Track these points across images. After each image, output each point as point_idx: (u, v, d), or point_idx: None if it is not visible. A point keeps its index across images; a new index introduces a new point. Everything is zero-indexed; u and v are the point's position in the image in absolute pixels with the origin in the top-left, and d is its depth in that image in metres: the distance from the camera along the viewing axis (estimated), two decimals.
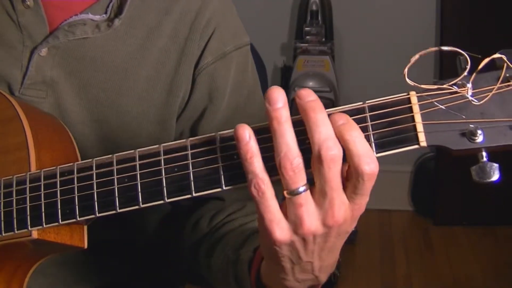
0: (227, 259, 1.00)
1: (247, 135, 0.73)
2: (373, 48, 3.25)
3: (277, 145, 0.72)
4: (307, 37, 3.10)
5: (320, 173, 0.71)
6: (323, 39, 3.10)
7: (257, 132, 0.75)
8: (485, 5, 3.02)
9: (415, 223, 3.33)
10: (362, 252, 3.09)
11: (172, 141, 1.08)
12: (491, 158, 0.71)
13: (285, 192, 0.73)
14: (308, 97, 0.73)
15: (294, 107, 2.48)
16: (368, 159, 0.71)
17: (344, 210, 0.73)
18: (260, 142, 0.75)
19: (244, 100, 1.14)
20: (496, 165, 0.70)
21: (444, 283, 2.88)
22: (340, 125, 0.72)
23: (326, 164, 0.71)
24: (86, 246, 0.92)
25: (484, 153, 0.71)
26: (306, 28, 3.10)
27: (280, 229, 0.74)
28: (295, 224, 0.74)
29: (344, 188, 0.73)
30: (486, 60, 0.68)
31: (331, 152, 0.70)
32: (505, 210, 3.11)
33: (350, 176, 0.73)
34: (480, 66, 0.69)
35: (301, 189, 0.72)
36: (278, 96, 0.72)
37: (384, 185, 3.38)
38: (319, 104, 0.73)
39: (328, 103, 3.00)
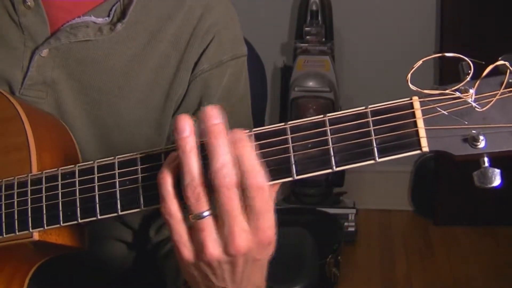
0: (173, 268, 1.04)
1: (169, 160, 0.77)
2: (373, 48, 3.25)
3: (182, 173, 0.75)
4: (307, 37, 3.10)
5: (218, 200, 0.74)
6: (323, 39, 3.10)
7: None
8: (485, 5, 3.02)
9: (415, 223, 3.33)
10: (362, 252, 3.09)
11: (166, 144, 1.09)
12: (493, 163, 0.71)
13: (190, 216, 0.76)
14: (212, 119, 0.74)
15: (294, 107, 2.48)
16: (253, 173, 0.73)
17: (246, 238, 0.75)
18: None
19: (230, 109, 1.14)
20: (497, 170, 0.70)
21: (444, 283, 2.88)
22: (233, 142, 0.74)
23: (221, 191, 0.73)
24: (86, 247, 0.93)
25: (486, 159, 0.71)
26: (306, 28, 3.10)
27: (187, 251, 0.77)
28: (198, 248, 0.76)
29: (244, 213, 0.75)
30: (490, 67, 0.68)
31: (226, 179, 0.73)
32: (505, 210, 3.11)
33: (243, 196, 0.74)
34: (484, 73, 0.69)
35: (204, 214, 0.75)
36: (185, 125, 0.74)
37: (384, 185, 3.40)
38: (220, 129, 0.74)
39: (328, 103, 3.01)
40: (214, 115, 0.75)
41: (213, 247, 0.75)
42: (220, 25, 1.12)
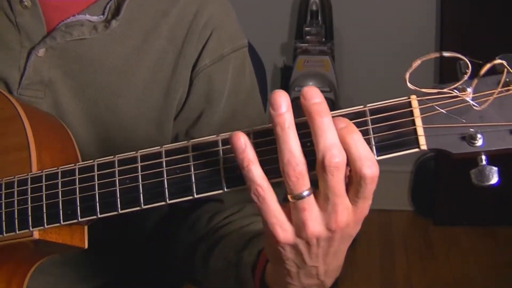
0: (227, 262, 1.00)
1: (242, 143, 0.73)
2: (373, 48, 3.25)
3: (280, 151, 0.72)
4: (307, 37, 3.10)
5: (324, 179, 0.71)
6: (323, 39, 3.10)
7: (260, 134, 0.76)
8: (485, 5, 3.03)
9: (415, 223, 3.33)
10: (362, 252, 3.09)
11: (168, 143, 1.09)
12: (490, 162, 0.72)
13: (289, 196, 0.73)
14: (314, 98, 0.72)
15: (294, 107, 2.48)
16: (369, 162, 0.71)
17: (347, 214, 0.74)
18: (262, 144, 0.75)
19: (241, 103, 1.14)
20: (495, 168, 0.71)
21: (444, 283, 2.88)
22: (341, 128, 0.72)
23: (330, 171, 0.71)
24: (86, 246, 0.92)
25: (483, 157, 0.72)
26: (306, 28, 3.10)
27: (284, 232, 0.74)
28: (299, 228, 0.74)
29: (347, 191, 0.73)
30: (488, 66, 0.68)
31: (335, 160, 0.70)
32: (505, 210, 3.11)
33: (352, 180, 0.73)
34: (482, 72, 0.69)
35: (305, 193, 0.72)
36: (282, 101, 0.71)
37: (384, 185, 3.37)
38: (324, 107, 0.72)
39: (328, 103, 2.96)
40: (315, 94, 0.72)
41: (315, 225, 0.73)
42: (217, 20, 1.12)
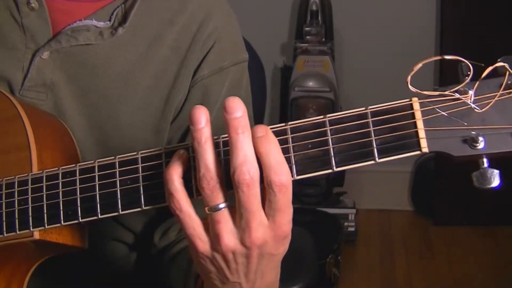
0: (182, 269, 1.04)
1: (178, 157, 0.78)
2: (373, 48, 3.25)
3: (197, 164, 0.75)
4: (307, 37, 3.10)
5: (237, 195, 0.73)
6: (323, 39, 3.09)
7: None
8: (485, 5, 3.02)
9: (415, 223, 3.33)
10: (362, 252, 3.09)
11: None
12: (492, 164, 0.72)
13: (206, 208, 0.76)
14: (235, 112, 0.73)
15: (294, 107, 2.49)
16: (277, 170, 0.73)
17: (263, 232, 0.75)
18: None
19: None
20: (496, 171, 0.71)
21: (444, 283, 2.88)
22: (258, 137, 0.74)
23: (240, 187, 0.72)
24: (87, 246, 0.93)
25: (485, 159, 0.72)
26: (306, 28, 3.10)
27: (202, 243, 0.77)
28: (214, 239, 0.76)
29: (263, 206, 0.75)
30: (489, 69, 0.68)
31: (245, 177, 0.72)
32: (505, 210, 3.11)
33: (265, 191, 0.74)
34: (483, 75, 0.69)
35: (221, 206, 0.75)
36: (201, 116, 0.74)
37: (384, 185, 3.40)
38: (242, 123, 0.73)
39: (328, 103, 3.01)
40: (237, 107, 0.73)
41: (229, 238, 0.75)
42: (221, 32, 1.12)
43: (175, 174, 0.76)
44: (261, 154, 0.73)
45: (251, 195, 0.73)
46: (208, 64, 1.11)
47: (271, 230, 0.75)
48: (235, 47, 1.16)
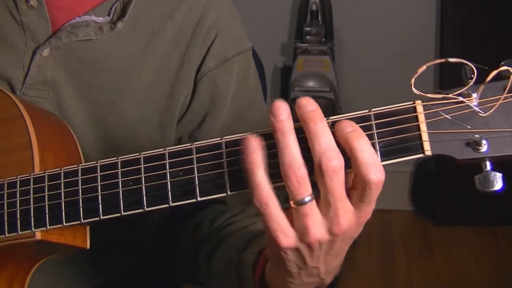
0: (229, 262, 1.00)
1: (253, 146, 0.74)
2: (373, 48, 3.25)
3: (281, 155, 0.73)
4: (307, 37, 3.10)
5: (323, 183, 0.72)
6: (323, 39, 3.10)
7: (262, 137, 0.76)
8: (485, 5, 3.02)
9: (415, 223, 3.33)
10: (362, 252, 3.09)
11: (170, 145, 1.09)
12: (494, 167, 0.72)
13: (291, 202, 0.74)
14: (308, 106, 0.73)
15: (294, 109, 2.44)
16: (375, 168, 0.71)
17: (350, 218, 0.74)
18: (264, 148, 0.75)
19: (245, 106, 1.14)
20: (499, 174, 0.71)
21: (444, 283, 2.88)
22: (348, 132, 0.73)
23: (328, 175, 0.71)
24: (88, 247, 0.92)
25: (488, 163, 0.72)
26: (306, 28, 3.10)
27: (286, 237, 0.75)
28: (301, 233, 0.75)
29: (350, 195, 0.74)
30: (493, 73, 0.68)
31: (331, 163, 0.71)
32: (505, 210, 3.10)
33: (356, 184, 0.73)
34: (488, 79, 0.69)
35: (307, 199, 0.73)
36: (282, 109, 0.73)
37: (384, 185, 3.37)
38: (318, 114, 0.73)
39: (328, 103, 3.00)
40: (309, 103, 0.74)
41: (317, 230, 0.74)
42: (222, 23, 1.13)
43: (259, 165, 0.74)
44: (355, 149, 0.72)
45: (339, 182, 0.72)
46: (212, 56, 1.11)
47: (357, 217, 0.75)
48: (238, 36, 1.16)
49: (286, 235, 0.75)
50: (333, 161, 0.71)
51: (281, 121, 0.73)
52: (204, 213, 1.14)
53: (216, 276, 1.06)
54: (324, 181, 0.72)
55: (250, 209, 1.10)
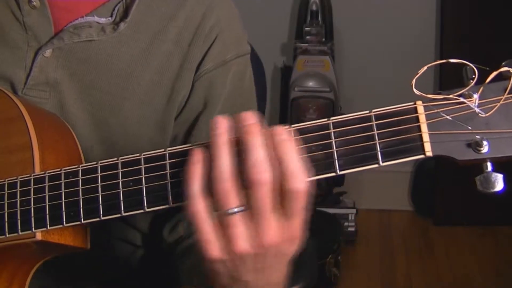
0: (193, 264, 1.03)
1: (196, 157, 0.76)
2: (373, 48, 3.25)
3: (213, 167, 0.75)
4: (307, 37, 3.10)
5: (250, 195, 0.73)
6: (323, 39, 3.10)
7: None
8: (485, 5, 3.02)
9: (415, 223, 3.33)
10: (362, 252, 3.09)
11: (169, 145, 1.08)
12: (495, 168, 0.72)
13: (218, 213, 0.75)
14: (247, 120, 0.75)
15: (294, 107, 2.48)
16: (298, 177, 0.73)
17: (276, 233, 0.75)
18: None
19: (239, 108, 1.14)
20: (500, 175, 0.71)
21: (444, 283, 2.88)
22: (277, 141, 0.74)
23: (255, 187, 0.73)
24: (89, 247, 0.93)
25: (489, 163, 0.72)
26: (306, 28, 3.10)
27: (214, 249, 0.77)
28: (227, 245, 0.76)
29: (278, 209, 0.75)
30: (494, 73, 0.68)
31: (259, 176, 0.72)
32: (505, 210, 3.10)
33: (281, 195, 0.74)
34: (488, 79, 0.69)
35: (231, 211, 0.74)
36: (221, 123, 0.75)
37: (384, 185, 3.40)
38: (256, 128, 0.74)
39: (328, 103, 3.00)
40: (250, 117, 0.75)
41: (242, 243, 0.75)
42: (223, 24, 1.13)
43: (196, 175, 0.76)
44: (280, 159, 0.73)
45: (265, 195, 0.73)
46: (211, 57, 1.11)
47: (283, 232, 0.75)
48: (238, 39, 1.16)
49: (214, 247, 0.76)
50: (260, 173, 0.72)
51: (218, 134, 0.75)
52: (182, 214, 1.14)
53: (184, 276, 1.09)
54: (251, 192, 0.73)
55: None
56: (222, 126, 0.75)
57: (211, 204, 0.76)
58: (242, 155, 0.74)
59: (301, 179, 0.73)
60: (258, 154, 0.73)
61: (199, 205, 0.76)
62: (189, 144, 0.81)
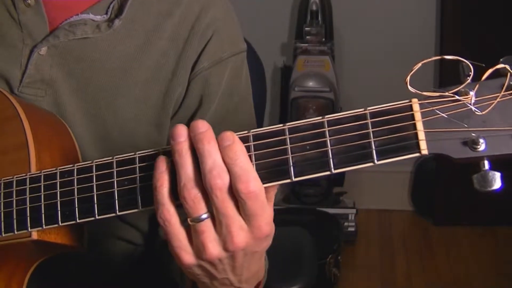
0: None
1: (164, 165, 0.78)
2: (373, 48, 3.25)
3: (178, 176, 0.76)
4: (307, 37, 3.10)
5: (212, 202, 0.75)
6: (323, 39, 3.10)
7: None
8: (485, 5, 3.02)
9: (415, 223, 3.33)
10: (362, 252, 3.09)
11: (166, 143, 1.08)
12: (492, 166, 0.71)
13: (188, 220, 0.77)
14: (199, 128, 0.76)
15: (294, 107, 2.48)
16: (243, 178, 0.74)
17: (244, 235, 0.77)
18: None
19: (234, 106, 1.14)
20: (498, 173, 0.70)
21: (444, 283, 2.88)
22: (224, 147, 0.75)
23: (213, 192, 0.74)
24: (85, 246, 0.93)
25: (486, 162, 0.71)
26: (306, 28, 3.10)
27: (187, 254, 0.79)
28: (199, 250, 0.78)
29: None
30: (490, 70, 0.68)
31: (216, 181, 0.74)
32: (505, 210, 3.10)
33: (236, 198, 0.76)
34: (485, 76, 0.68)
35: (202, 217, 0.76)
36: (181, 132, 0.77)
37: (384, 185, 3.40)
38: (207, 135, 0.76)
39: (328, 103, 3.01)
40: (201, 126, 0.76)
41: (213, 247, 0.77)
42: (219, 22, 1.12)
43: (165, 182, 0.78)
44: (228, 164, 0.75)
45: (225, 199, 0.75)
46: (207, 56, 1.11)
47: (251, 233, 0.77)
48: (234, 37, 1.16)
49: (186, 253, 0.79)
50: (215, 179, 0.74)
51: (179, 143, 0.76)
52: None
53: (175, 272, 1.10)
54: (212, 199, 0.75)
55: None
56: (183, 134, 0.77)
57: (180, 211, 0.78)
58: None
59: (249, 179, 0.74)
60: (211, 161, 0.75)
61: (169, 213, 0.77)
62: None
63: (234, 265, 0.80)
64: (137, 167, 0.82)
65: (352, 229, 3.12)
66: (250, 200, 0.74)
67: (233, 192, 0.75)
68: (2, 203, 0.89)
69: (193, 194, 0.75)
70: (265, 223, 0.77)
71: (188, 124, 1.11)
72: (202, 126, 0.76)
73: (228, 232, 0.76)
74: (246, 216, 0.76)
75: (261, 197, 0.75)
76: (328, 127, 0.75)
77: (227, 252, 0.78)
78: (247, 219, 0.76)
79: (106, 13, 1.08)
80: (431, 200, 3.28)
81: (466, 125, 0.71)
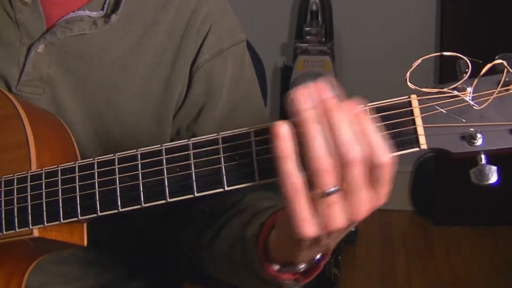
0: (232, 239, 0.98)
1: (285, 132, 0.72)
2: (373, 48, 3.25)
3: (310, 146, 0.71)
4: (307, 37, 3.10)
5: (346, 173, 0.71)
6: (323, 39, 3.10)
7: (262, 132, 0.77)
8: (485, 5, 3.03)
9: (415, 223, 3.33)
10: (362, 252, 3.09)
11: (168, 139, 1.08)
12: (490, 161, 0.72)
13: (317, 193, 0.72)
14: (326, 93, 0.72)
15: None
16: (382, 151, 0.71)
17: (369, 205, 0.74)
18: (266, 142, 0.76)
19: (242, 96, 1.14)
20: (494, 167, 0.71)
21: (444, 283, 2.88)
22: (356, 115, 0.71)
23: (350, 166, 0.71)
24: (86, 244, 0.92)
25: (483, 156, 0.72)
26: (306, 28, 3.10)
27: (311, 227, 0.74)
28: (325, 222, 0.74)
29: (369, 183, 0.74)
30: (488, 66, 0.68)
31: (351, 155, 0.70)
32: (505, 210, 3.11)
33: (370, 169, 0.72)
34: (482, 72, 0.69)
35: (333, 189, 0.72)
36: (305, 97, 0.72)
37: None
38: (335, 101, 0.72)
39: None
40: (327, 88, 0.72)
41: (341, 219, 0.74)
42: (215, 15, 1.13)
43: (289, 153, 0.72)
44: (366, 134, 0.71)
45: (360, 172, 0.71)
46: (207, 48, 1.11)
47: (374, 201, 0.74)
48: (232, 28, 1.16)
49: (310, 224, 0.74)
50: (354, 152, 0.70)
51: (305, 109, 0.71)
52: (202, 204, 1.13)
53: (219, 259, 1.04)
54: (346, 172, 0.71)
55: (250, 196, 1.08)
56: (309, 100, 0.72)
57: (306, 182, 0.73)
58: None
59: (386, 151, 0.71)
60: (347, 132, 0.71)
61: (297, 183, 0.72)
62: (186, 139, 0.81)
63: (343, 232, 0.79)
64: (139, 164, 0.82)
65: (352, 229, 3.11)
66: (387, 171, 0.72)
67: (369, 165, 0.71)
68: (3, 201, 0.89)
69: (324, 165, 0.71)
70: (387, 191, 0.74)
71: (195, 120, 1.12)
72: (329, 90, 0.72)
73: (357, 203, 0.73)
74: (375, 187, 0.73)
75: (392, 168, 0.73)
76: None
77: (349, 222, 0.75)
78: (376, 189, 0.73)
79: (102, 9, 1.08)
80: (431, 200, 3.28)
81: (464, 120, 0.72)
